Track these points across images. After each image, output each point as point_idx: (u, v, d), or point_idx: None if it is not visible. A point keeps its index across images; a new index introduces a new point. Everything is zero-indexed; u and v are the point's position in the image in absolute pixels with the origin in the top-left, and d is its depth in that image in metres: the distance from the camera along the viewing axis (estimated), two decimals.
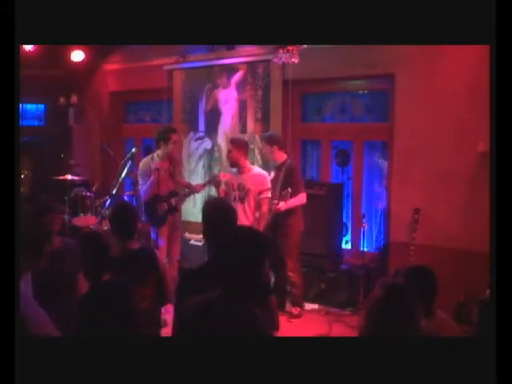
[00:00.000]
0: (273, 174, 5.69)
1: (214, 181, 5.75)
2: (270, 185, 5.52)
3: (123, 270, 3.26)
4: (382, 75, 6.05)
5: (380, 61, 5.83)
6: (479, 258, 4.56)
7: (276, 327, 3.06)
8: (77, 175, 7.57)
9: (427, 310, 2.92)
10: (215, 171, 7.20)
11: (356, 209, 6.58)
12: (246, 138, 6.13)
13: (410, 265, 4.48)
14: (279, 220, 5.49)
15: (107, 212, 6.68)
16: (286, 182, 5.47)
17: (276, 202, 5.41)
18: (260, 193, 5.45)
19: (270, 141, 5.71)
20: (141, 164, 6.02)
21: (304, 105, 6.96)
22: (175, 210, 5.98)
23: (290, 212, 5.49)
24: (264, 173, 5.63)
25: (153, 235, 5.89)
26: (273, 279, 5.75)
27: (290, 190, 5.26)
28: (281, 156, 5.72)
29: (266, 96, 6.78)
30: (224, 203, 3.47)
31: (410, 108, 5.76)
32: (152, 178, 5.79)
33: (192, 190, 6.01)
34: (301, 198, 5.52)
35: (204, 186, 6.02)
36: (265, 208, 5.44)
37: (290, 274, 5.66)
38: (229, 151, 5.64)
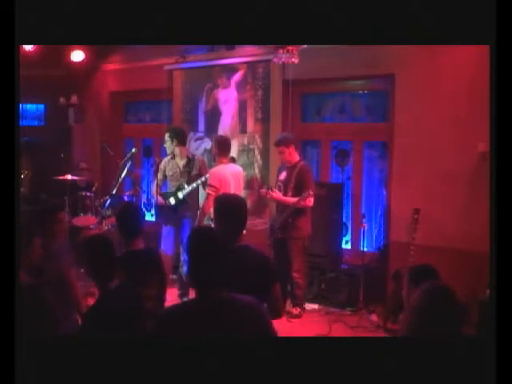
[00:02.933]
0: (284, 173, 5.70)
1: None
2: (212, 181, 5.65)
3: (127, 271, 3.23)
4: (381, 75, 6.05)
5: (380, 61, 5.82)
6: (479, 257, 4.55)
7: (278, 314, 3.08)
8: (78, 176, 7.58)
9: None
10: None
11: (356, 209, 6.58)
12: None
13: (413, 264, 4.49)
14: (289, 221, 5.54)
15: (107, 212, 6.68)
16: (298, 182, 5.53)
17: (264, 190, 5.72)
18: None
19: (287, 142, 5.68)
20: (162, 164, 6.07)
21: (304, 105, 6.95)
22: (185, 202, 5.98)
23: (299, 214, 5.54)
24: (211, 170, 5.82)
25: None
26: None
27: (311, 192, 5.38)
28: (295, 156, 5.73)
29: (266, 96, 6.77)
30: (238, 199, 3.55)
31: (409, 108, 5.76)
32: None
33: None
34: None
35: None
36: (204, 203, 5.71)
37: (295, 274, 5.66)
38: None
